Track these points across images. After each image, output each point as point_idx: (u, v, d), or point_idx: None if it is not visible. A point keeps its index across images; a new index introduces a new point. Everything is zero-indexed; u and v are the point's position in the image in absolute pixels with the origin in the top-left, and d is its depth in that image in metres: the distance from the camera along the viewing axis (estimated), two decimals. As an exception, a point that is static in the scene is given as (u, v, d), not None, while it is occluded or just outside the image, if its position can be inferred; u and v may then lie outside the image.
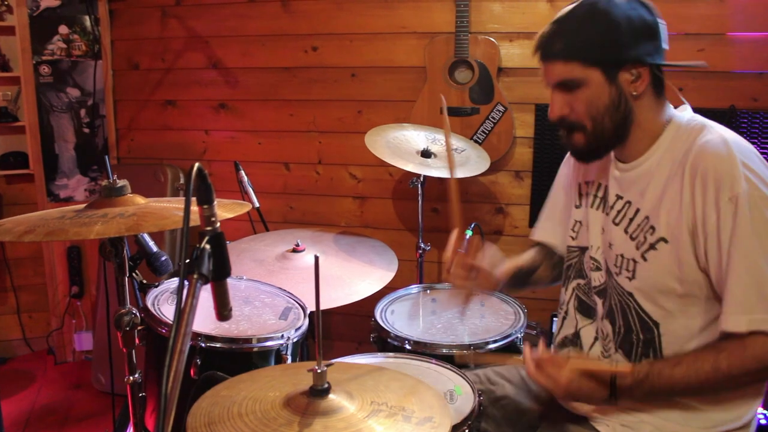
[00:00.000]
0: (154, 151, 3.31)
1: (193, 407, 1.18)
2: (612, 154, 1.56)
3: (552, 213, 1.85)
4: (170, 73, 3.23)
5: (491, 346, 2.03)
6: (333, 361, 1.19)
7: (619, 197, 1.52)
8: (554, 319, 2.68)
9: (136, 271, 1.77)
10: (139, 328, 1.72)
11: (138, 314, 1.36)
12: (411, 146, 2.51)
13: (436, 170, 2.42)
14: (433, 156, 2.49)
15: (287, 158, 3.22)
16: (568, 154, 1.78)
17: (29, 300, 3.52)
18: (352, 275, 2.26)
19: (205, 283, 0.92)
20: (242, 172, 2.54)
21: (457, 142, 2.61)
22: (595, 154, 1.52)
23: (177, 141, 3.30)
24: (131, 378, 1.39)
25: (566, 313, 1.67)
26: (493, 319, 2.19)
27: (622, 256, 1.47)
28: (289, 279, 2.15)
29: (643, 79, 1.41)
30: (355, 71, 3.07)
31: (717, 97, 2.63)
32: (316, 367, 1.16)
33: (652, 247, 1.40)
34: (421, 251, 2.64)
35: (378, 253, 2.44)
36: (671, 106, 1.49)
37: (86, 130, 3.32)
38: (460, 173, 2.44)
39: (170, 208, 1.28)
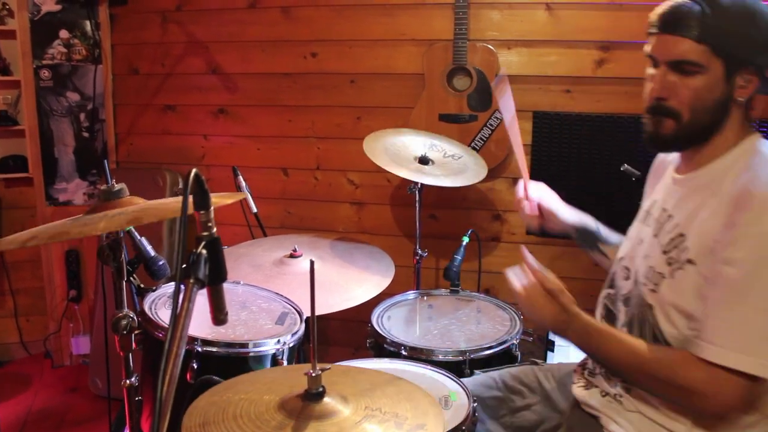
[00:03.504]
0: (153, 156, 3.32)
1: (190, 407, 1.19)
2: (674, 162, 1.55)
3: None
4: (170, 78, 3.25)
5: (487, 352, 2.04)
6: (329, 365, 1.19)
7: (664, 210, 1.50)
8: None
9: (134, 275, 1.79)
10: (137, 332, 1.74)
11: (135, 318, 1.36)
12: (409, 152, 2.52)
13: (434, 178, 2.43)
14: (431, 162, 2.50)
15: (286, 164, 3.23)
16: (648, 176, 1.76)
17: (27, 303, 3.52)
18: (349, 281, 2.26)
19: (201, 287, 0.93)
20: (240, 177, 2.55)
21: (454, 149, 2.62)
22: (674, 146, 1.48)
23: (176, 146, 3.31)
24: (128, 382, 1.40)
25: None
26: (489, 325, 2.20)
27: (653, 268, 1.45)
28: (286, 284, 2.15)
29: (750, 88, 1.36)
30: (355, 77, 3.09)
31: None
32: (311, 371, 1.17)
33: (680, 267, 1.37)
34: (418, 257, 2.65)
35: (375, 258, 2.44)
36: (753, 130, 1.43)
37: (86, 134, 3.33)
38: (459, 182, 2.45)
39: (169, 203, 1.29)
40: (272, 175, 3.25)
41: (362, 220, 3.19)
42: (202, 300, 1.93)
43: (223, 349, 1.66)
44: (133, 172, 3.34)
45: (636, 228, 1.64)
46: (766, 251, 1.25)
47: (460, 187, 2.91)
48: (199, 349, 1.62)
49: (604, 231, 1.87)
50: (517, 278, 1.52)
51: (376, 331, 2.13)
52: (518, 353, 2.12)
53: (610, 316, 1.60)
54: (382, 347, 2.12)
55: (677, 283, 1.38)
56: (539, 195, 1.91)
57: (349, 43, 3.06)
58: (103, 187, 1.33)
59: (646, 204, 1.65)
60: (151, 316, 1.73)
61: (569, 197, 2.87)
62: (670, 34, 1.35)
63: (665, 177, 1.60)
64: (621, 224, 1.85)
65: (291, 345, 1.74)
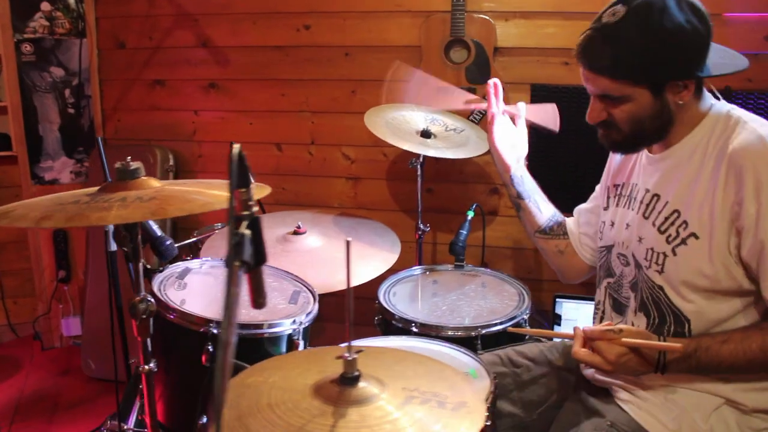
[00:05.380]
0: (142, 132, 3.24)
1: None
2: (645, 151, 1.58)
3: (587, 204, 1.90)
4: (158, 52, 3.15)
5: (497, 327, 2.03)
6: (362, 347, 1.16)
7: (647, 191, 1.52)
8: (556, 300, 2.70)
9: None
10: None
11: (153, 301, 1.32)
12: (410, 126, 2.48)
13: (436, 150, 2.40)
14: (432, 136, 2.46)
15: (279, 139, 3.17)
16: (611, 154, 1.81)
17: (14, 285, 3.43)
18: (356, 257, 2.23)
19: (248, 270, 0.89)
20: (238, 154, 2.49)
21: (455, 122, 2.59)
22: (631, 149, 1.55)
23: (165, 122, 3.23)
24: (146, 367, 1.35)
25: (603, 312, 1.67)
26: (497, 300, 2.19)
27: (652, 249, 1.46)
28: (292, 262, 2.11)
29: (689, 90, 1.39)
30: (349, 50, 3.02)
31: (712, 78, 2.64)
32: (347, 354, 1.14)
33: (683, 242, 1.40)
34: (420, 232, 2.63)
35: (379, 234, 2.41)
36: (710, 96, 1.46)
37: (71, 111, 3.23)
38: (462, 154, 2.42)
39: (189, 192, 1.24)
40: (265, 150, 3.19)
41: (358, 195, 3.16)
42: (209, 280, 1.90)
43: (241, 331, 1.62)
44: (121, 149, 3.25)
45: (613, 213, 1.65)
46: None
47: (456, 161, 2.89)
48: (215, 331, 1.58)
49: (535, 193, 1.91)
50: (591, 355, 1.42)
51: (385, 308, 2.11)
52: (527, 327, 2.12)
53: (617, 305, 1.61)
54: (390, 324, 2.11)
55: (681, 259, 1.40)
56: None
57: (343, 15, 2.99)
58: (119, 165, 1.27)
59: (620, 185, 1.65)
60: (161, 297, 1.68)
61: (567, 170, 2.88)
62: (589, 72, 1.41)
63: (639, 159, 1.62)
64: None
65: (306, 325, 1.71)
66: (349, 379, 1.13)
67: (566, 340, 1.87)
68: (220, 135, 3.19)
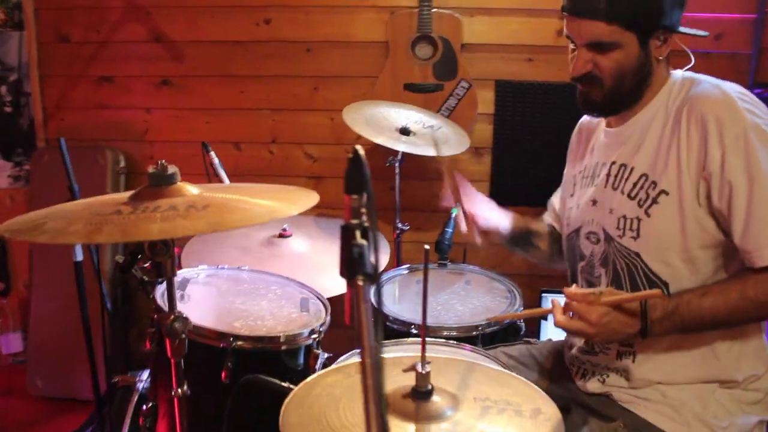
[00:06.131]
0: (89, 132, 3.02)
1: (286, 429, 1.07)
2: (603, 122, 1.63)
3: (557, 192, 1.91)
4: (106, 46, 2.95)
5: (491, 328, 2.02)
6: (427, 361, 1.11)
7: (613, 163, 1.54)
8: (542, 295, 2.73)
9: (136, 267, 1.62)
10: (151, 330, 1.59)
11: (189, 318, 1.22)
12: (389, 123, 2.44)
13: (417, 147, 2.37)
14: (411, 134, 2.43)
15: (238, 138, 3.05)
16: (570, 146, 1.82)
17: (-57, 300, 3.14)
18: (345, 260, 2.17)
19: (372, 283, 0.83)
20: (212, 154, 2.37)
21: (431, 120, 2.56)
22: (607, 110, 1.55)
23: (115, 120, 3.03)
24: (180, 391, 1.25)
25: None
26: (488, 297, 2.19)
27: (624, 217, 1.48)
28: (282, 267, 2.03)
29: (668, 45, 1.46)
30: (311, 46, 2.94)
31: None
32: (419, 367, 1.09)
33: (654, 201, 1.43)
34: (398, 231, 2.60)
35: (365, 235, 2.36)
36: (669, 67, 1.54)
37: (8, 110, 2.97)
38: (445, 151, 2.39)
39: (232, 200, 1.16)
40: (223, 149, 3.03)
41: (322, 195, 3.05)
42: (211, 291, 1.77)
43: (256, 344, 1.53)
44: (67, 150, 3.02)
45: (578, 197, 1.67)
46: (764, 140, 1.32)
47: (421, 159, 2.87)
48: (235, 346, 1.48)
49: (530, 222, 1.90)
50: (573, 322, 1.40)
51: (379, 310, 2.07)
52: (522, 324, 2.13)
53: (590, 286, 1.61)
54: (383, 326, 2.07)
55: (655, 219, 1.43)
56: (484, 216, 1.78)
57: (306, 9, 2.90)
58: (152, 169, 1.17)
59: (582, 170, 1.69)
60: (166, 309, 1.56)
61: (531, 165, 2.93)
62: (580, 18, 1.43)
63: (595, 139, 1.67)
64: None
65: (323, 335, 1.64)
66: (422, 393, 1.09)
67: (553, 342, 1.90)
68: (174, 134, 3.03)
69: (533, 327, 2.61)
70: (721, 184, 1.34)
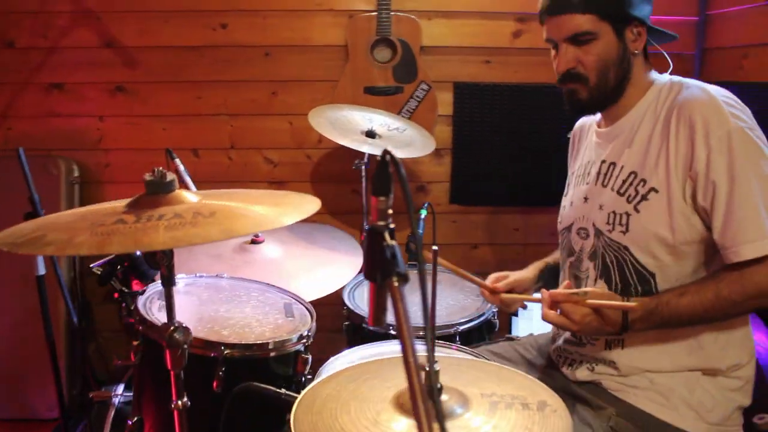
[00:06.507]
0: (39, 142, 2.90)
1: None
2: (594, 124, 1.69)
3: None
4: (55, 52, 2.84)
5: (473, 323, 2.07)
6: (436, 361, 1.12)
7: (603, 162, 1.61)
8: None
9: (115, 279, 1.58)
10: (135, 342, 1.55)
11: (189, 329, 1.19)
12: (354, 126, 2.45)
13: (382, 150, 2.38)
14: (377, 136, 2.44)
15: (196, 144, 3.00)
16: (569, 149, 1.88)
17: None
18: (319, 265, 2.17)
19: (406, 282, 0.84)
20: (177, 161, 2.32)
21: (395, 122, 2.58)
22: (594, 107, 1.62)
23: (66, 129, 2.92)
24: (179, 403, 1.22)
25: None
26: (462, 296, 2.23)
27: (614, 212, 1.54)
28: (255, 273, 2.00)
29: (642, 39, 1.54)
30: (269, 50, 2.92)
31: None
32: (428, 366, 1.10)
33: (643, 198, 1.49)
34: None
35: (337, 238, 2.36)
36: (654, 71, 1.61)
37: (-49, 120, 2.83)
38: (411, 153, 2.42)
39: (236, 208, 1.14)
40: (181, 156, 2.90)
41: (283, 199, 3.05)
42: (192, 300, 1.73)
43: (245, 352, 1.51)
44: (15, 160, 2.89)
45: (571, 195, 1.75)
46: (748, 142, 1.39)
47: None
48: (226, 355, 1.46)
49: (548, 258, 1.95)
50: (559, 317, 1.48)
51: (355, 312, 2.07)
52: (497, 321, 2.18)
53: (577, 282, 1.68)
54: (359, 329, 2.08)
55: (645, 215, 1.49)
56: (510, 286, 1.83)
57: (263, 13, 2.88)
58: (149, 177, 1.14)
59: (576, 169, 1.76)
60: (149, 319, 1.53)
61: (490, 165, 2.99)
62: (559, 14, 1.53)
63: (588, 140, 1.74)
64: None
65: (311, 339, 1.63)
66: (432, 392, 1.10)
67: (536, 336, 1.95)
68: (129, 142, 2.95)
69: (504, 324, 2.66)
70: (706, 183, 1.40)
